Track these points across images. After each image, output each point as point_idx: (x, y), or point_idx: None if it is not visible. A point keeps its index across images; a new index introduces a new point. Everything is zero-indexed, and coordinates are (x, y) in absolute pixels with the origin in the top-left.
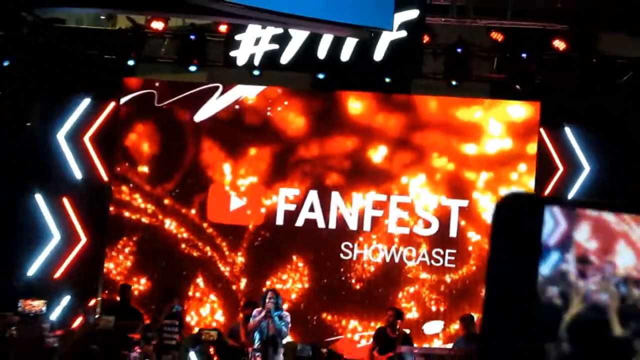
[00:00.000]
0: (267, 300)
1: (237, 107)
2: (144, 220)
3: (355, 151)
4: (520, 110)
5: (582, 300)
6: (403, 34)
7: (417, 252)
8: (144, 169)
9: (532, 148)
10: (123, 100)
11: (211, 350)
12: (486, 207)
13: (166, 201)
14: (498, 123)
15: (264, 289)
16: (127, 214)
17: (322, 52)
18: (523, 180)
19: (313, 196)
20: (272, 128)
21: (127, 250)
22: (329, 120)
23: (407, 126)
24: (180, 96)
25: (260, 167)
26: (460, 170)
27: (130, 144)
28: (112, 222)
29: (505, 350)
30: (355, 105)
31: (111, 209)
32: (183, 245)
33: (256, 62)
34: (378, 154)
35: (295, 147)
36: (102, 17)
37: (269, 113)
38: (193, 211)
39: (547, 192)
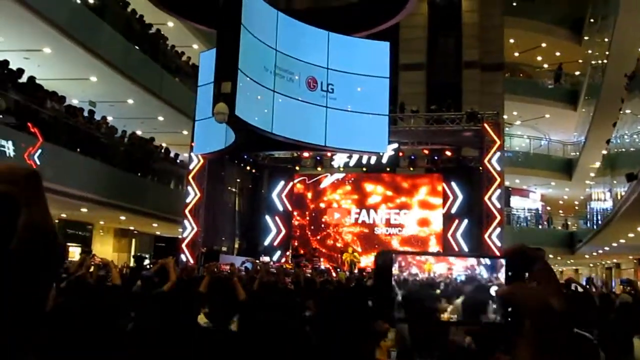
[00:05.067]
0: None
1: (335, 181)
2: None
3: (376, 192)
4: (436, 177)
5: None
6: (392, 152)
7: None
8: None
9: (440, 190)
10: (295, 181)
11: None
12: (422, 216)
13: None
14: (433, 182)
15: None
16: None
17: (364, 159)
18: (437, 202)
19: (364, 212)
20: (346, 188)
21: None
22: (367, 184)
23: (393, 183)
24: (316, 178)
25: (346, 202)
26: (417, 190)
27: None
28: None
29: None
30: (377, 177)
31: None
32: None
33: (341, 164)
34: (381, 194)
35: (356, 192)
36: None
37: (346, 182)
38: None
39: (446, 207)
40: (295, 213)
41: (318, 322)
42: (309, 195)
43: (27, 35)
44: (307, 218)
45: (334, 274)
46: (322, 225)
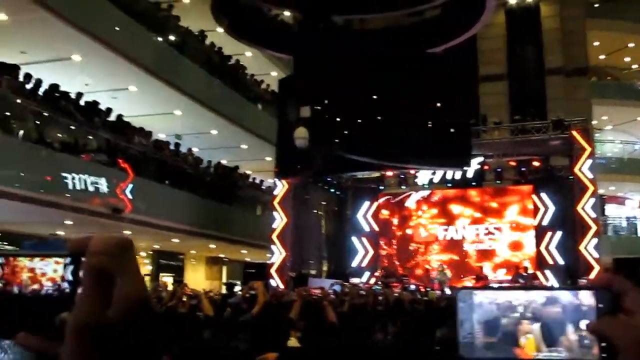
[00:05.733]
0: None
1: (420, 198)
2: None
3: (463, 215)
4: (525, 193)
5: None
6: (477, 166)
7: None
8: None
9: (530, 208)
10: (380, 201)
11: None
12: (513, 239)
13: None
14: (523, 200)
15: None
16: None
17: (449, 175)
18: (529, 222)
19: (451, 230)
20: (432, 211)
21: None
22: (453, 205)
23: (481, 204)
24: (400, 197)
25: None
26: (506, 209)
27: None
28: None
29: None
30: (464, 198)
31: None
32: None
33: (426, 182)
34: (469, 216)
35: (443, 215)
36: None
37: (432, 198)
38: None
39: (537, 220)
40: (381, 242)
41: (406, 343)
42: (395, 221)
43: (114, 76)
44: (394, 246)
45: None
46: (410, 252)
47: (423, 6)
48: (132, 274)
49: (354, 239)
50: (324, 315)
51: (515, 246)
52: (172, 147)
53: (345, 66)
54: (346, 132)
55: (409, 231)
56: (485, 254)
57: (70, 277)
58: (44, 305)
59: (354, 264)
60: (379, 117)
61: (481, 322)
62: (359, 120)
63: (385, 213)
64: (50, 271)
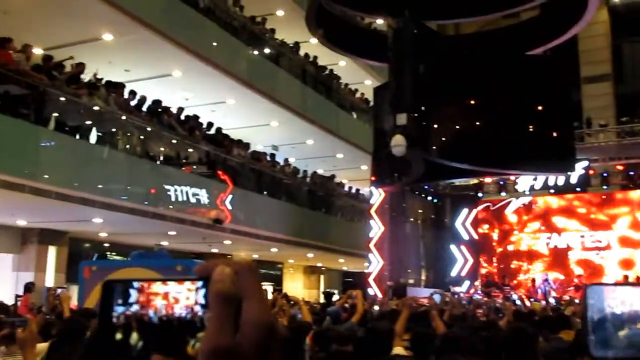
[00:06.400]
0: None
1: (521, 205)
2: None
3: (567, 229)
4: (634, 195)
5: None
6: (581, 171)
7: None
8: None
9: None
10: (479, 208)
11: None
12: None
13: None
14: (633, 210)
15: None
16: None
17: (551, 181)
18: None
19: (555, 236)
20: (534, 226)
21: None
22: (557, 217)
23: (587, 210)
24: (500, 204)
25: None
26: (614, 222)
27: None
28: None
29: None
30: (569, 210)
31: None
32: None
33: (527, 188)
34: (575, 230)
35: (546, 227)
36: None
37: (533, 206)
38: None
39: None
40: (481, 259)
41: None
42: (495, 235)
43: (213, 90)
44: (495, 264)
45: (527, 303)
46: (512, 271)
47: (522, 7)
48: (256, 297)
49: (453, 248)
50: (433, 325)
51: (627, 264)
52: (268, 157)
53: (441, 71)
54: (444, 138)
55: (510, 247)
56: (593, 272)
57: (202, 301)
58: (177, 328)
59: (453, 272)
60: (478, 122)
61: (609, 328)
62: (457, 126)
63: (485, 228)
64: (183, 298)
